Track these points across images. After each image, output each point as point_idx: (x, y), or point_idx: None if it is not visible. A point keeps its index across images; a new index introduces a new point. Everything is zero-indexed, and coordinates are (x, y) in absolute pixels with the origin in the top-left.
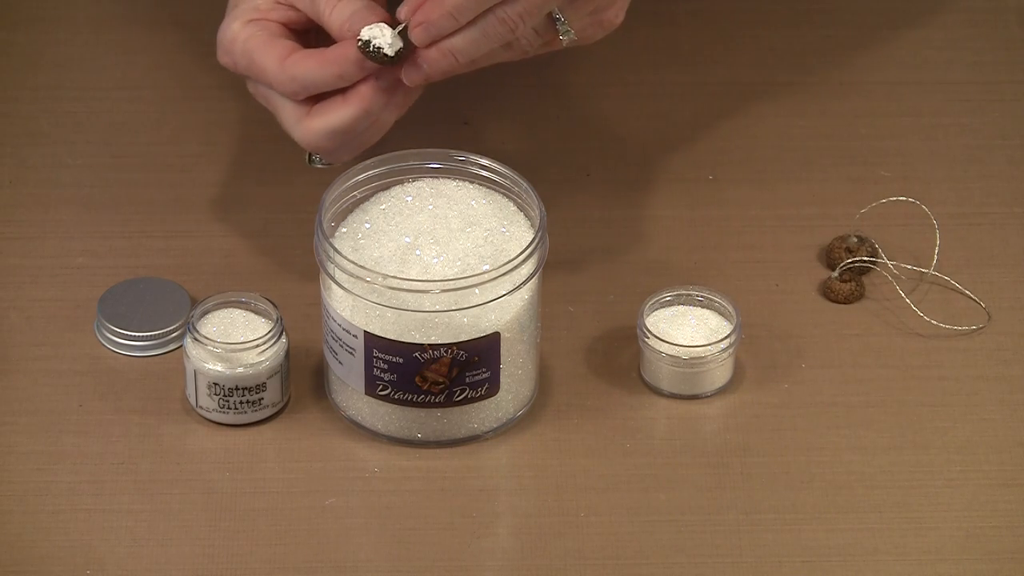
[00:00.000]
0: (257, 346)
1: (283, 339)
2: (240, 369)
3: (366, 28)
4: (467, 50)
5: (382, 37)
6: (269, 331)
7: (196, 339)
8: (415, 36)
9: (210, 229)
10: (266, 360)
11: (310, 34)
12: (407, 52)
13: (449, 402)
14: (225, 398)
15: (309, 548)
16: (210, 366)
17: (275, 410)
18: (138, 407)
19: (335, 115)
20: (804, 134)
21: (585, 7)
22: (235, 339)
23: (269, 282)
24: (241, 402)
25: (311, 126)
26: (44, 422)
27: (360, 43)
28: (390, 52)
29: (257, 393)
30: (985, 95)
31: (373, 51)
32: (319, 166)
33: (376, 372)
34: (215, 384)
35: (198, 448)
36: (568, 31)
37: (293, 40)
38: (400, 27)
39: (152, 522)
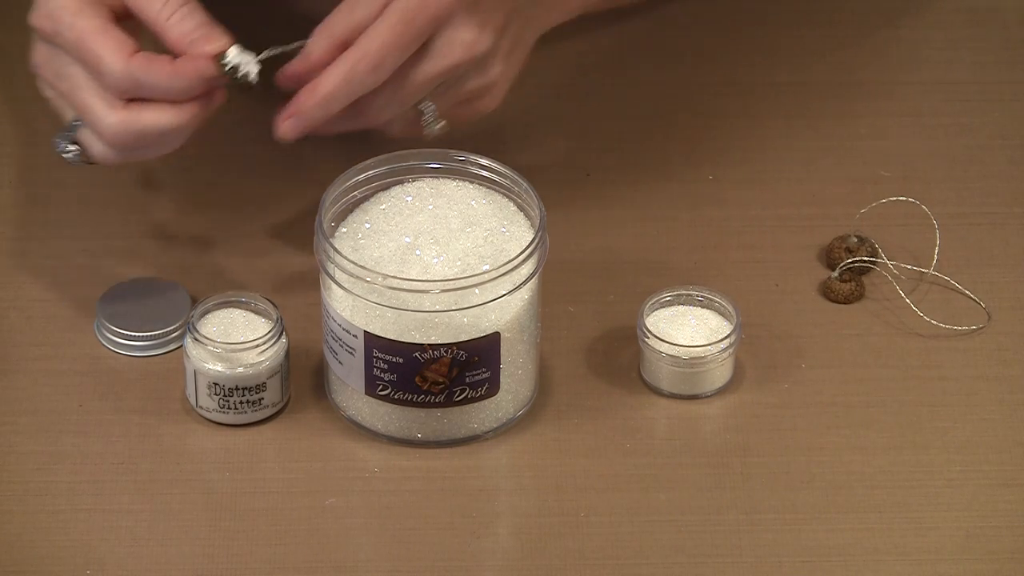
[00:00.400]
0: (257, 346)
1: (283, 339)
2: (240, 369)
3: (234, 51)
4: (330, 128)
5: (250, 65)
6: (269, 331)
7: (196, 339)
8: (283, 128)
9: (210, 229)
10: (266, 360)
11: (124, 23)
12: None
13: (449, 402)
14: (225, 398)
15: (309, 548)
16: (210, 366)
17: (275, 410)
18: (138, 407)
19: (158, 117)
20: (804, 134)
21: (453, 98)
22: (235, 339)
23: (269, 282)
24: (241, 402)
25: (128, 120)
26: (44, 422)
27: (227, 67)
28: (255, 81)
29: (257, 393)
30: (985, 95)
31: (240, 78)
32: (71, 159)
33: (376, 372)
34: (215, 384)
35: (198, 448)
36: (432, 123)
37: (119, 27)
38: (263, 55)
39: (152, 522)
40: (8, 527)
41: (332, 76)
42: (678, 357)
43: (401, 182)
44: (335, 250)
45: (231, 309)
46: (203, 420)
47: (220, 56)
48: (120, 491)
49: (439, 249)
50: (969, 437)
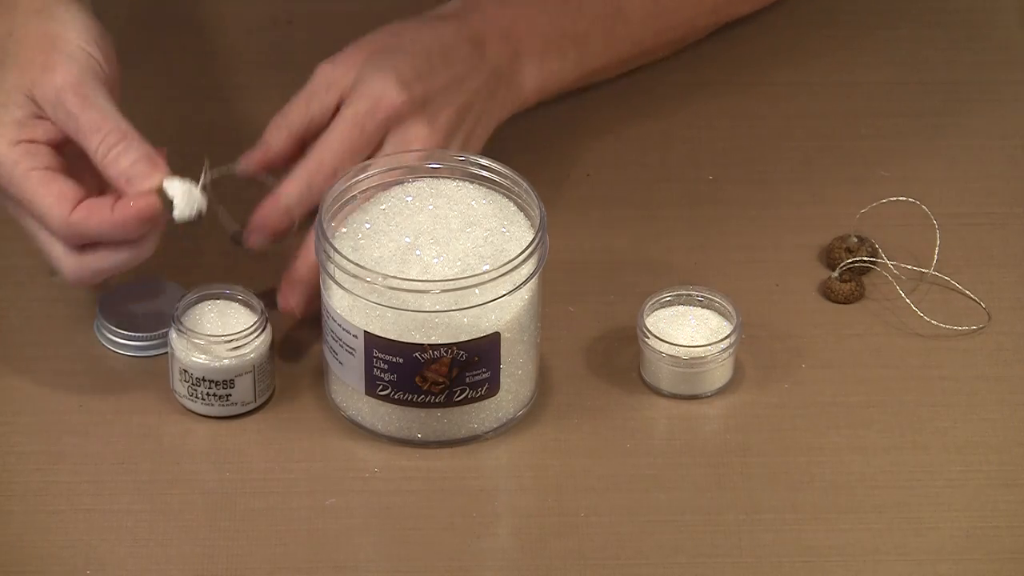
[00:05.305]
0: (229, 341)
1: (259, 343)
2: (211, 362)
3: (172, 184)
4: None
5: (188, 198)
6: (243, 330)
7: (176, 326)
8: (251, 241)
9: (210, 229)
10: (236, 357)
11: (68, 146)
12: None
13: (449, 402)
14: (193, 387)
15: (309, 548)
16: (180, 350)
17: (246, 409)
18: (138, 407)
19: (109, 258)
20: (804, 134)
21: None
22: (215, 331)
23: (269, 282)
24: (208, 394)
25: (82, 265)
26: (44, 422)
27: (164, 196)
28: (193, 215)
29: (224, 388)
30: (985, 95)
31: (181, 213)
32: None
33: (376, 372)
34: (184, 371)
35: (198, 448)
36: None
37: (60, 162)
38: (202, 180)
39: (152, 522)
40: (8, 527)
41: (291, 188)
42: (678, 357)
43: (401, 182)
44: (335, 250)
45: (228, 302)
46: (202, 420)
47: (161, 190)
48: (120, 491)
49: (439, 249)
50: (969, 437)
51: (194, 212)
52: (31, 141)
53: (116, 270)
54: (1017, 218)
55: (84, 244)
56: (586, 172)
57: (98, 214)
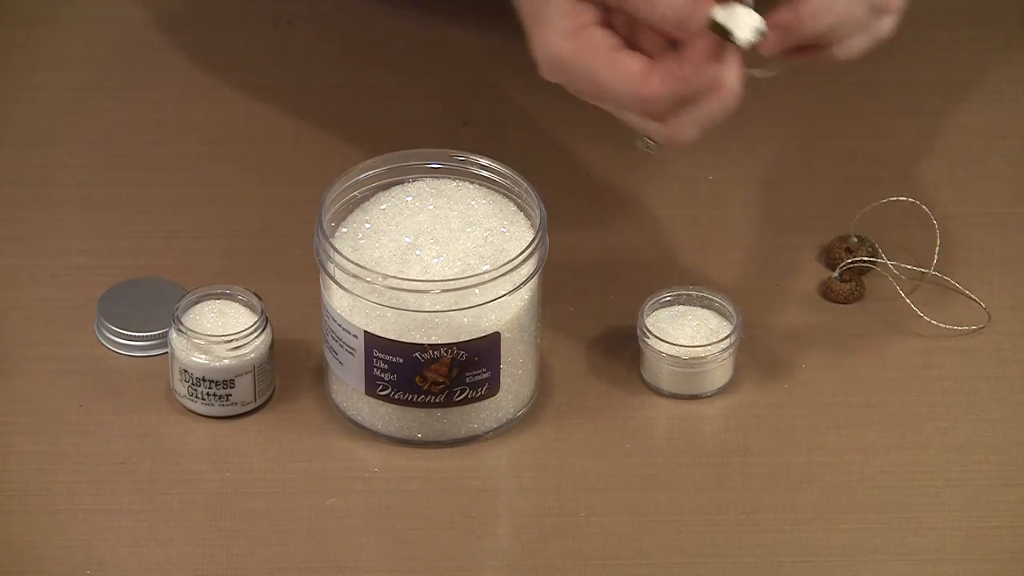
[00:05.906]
0: (229, 341)
1: (259, 343)
2: (211, 362)
3: (724, 12)
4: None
5: (743, 21)
6: (243, 330)
7: (179, 330)
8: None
9: (210, 229)
10: (236, 357)
11: (616, 16)
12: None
13: (449, 402)
14: (193, 387)
15: (309, 548)
16: (180, 352)
17: (246, 409)
18: (138, 407)
19: (702, 113)
20: (804, 134)
21: None
22: (214, 331)
23: (269, 282)
24: (208, 394)
25: (679, 130)
26: (44, 422)
27: (718, 28)
28: (756, 36)
29: (224, 388)
30: (985, 95)
31: (734, 39)
32: (649, 152)
33: (376, 372)
34: (184, 371)
35: (198, 448)
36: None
37: (616, 39)
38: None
39: (152, 522)
40: (8, 527)
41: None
42: (678, 357)
43: (401, 182)
44: (335, 250)
45: (228, 302)
46: (202, 420)
47: (713, 23)
48: (120, 491)
49: (439, 249)
50: (969, 437)
51: (755, 34)
52: (582, 27)
53: (712, 121)
54: (1017, 218)
55: (671, 109)
56: (586, 172)
57: (669, 78)
